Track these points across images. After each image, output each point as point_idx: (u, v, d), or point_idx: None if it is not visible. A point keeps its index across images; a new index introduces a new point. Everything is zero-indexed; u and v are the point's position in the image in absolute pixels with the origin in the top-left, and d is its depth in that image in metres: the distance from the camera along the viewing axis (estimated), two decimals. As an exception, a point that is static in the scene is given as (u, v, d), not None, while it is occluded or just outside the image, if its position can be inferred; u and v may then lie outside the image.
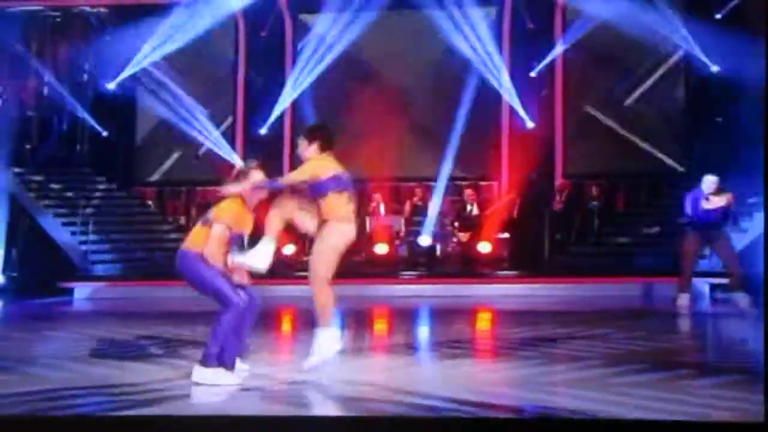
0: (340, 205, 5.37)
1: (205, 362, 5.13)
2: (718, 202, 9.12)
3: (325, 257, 5.37)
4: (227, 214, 5.23)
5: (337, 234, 5.36)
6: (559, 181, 14.51)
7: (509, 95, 14.92)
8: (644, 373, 5.42)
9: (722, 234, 9.35)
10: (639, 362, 5.79)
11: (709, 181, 9.23)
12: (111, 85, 15.24)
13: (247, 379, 5.28)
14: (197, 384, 5.09)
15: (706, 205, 9.13)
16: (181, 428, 4.15)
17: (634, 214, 13.93)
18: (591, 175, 14.60)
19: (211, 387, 5.04)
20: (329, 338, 5.40)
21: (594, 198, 13.80)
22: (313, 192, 5.38)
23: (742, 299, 9.06)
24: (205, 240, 5.19)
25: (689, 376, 5.34)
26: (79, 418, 4.29)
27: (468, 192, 14.16)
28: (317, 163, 5.42)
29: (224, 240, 5.21)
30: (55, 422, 4.20)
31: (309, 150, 5.49)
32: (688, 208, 9.33)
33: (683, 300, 9.32)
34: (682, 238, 9.50)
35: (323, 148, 5.49)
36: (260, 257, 5.29)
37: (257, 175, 5.33)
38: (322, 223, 5.38)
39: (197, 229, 5.31)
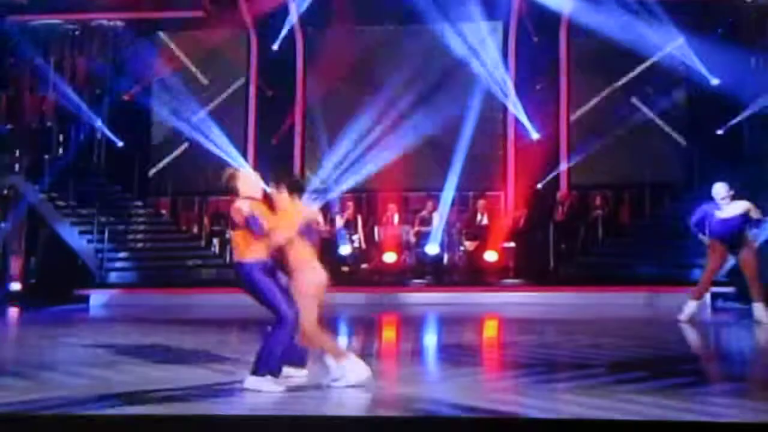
0: (304, 250, 5.37)
1: (256, 371, 5.17)
2: (733, 210, 8.76)
3: (307, 311, 5.31)
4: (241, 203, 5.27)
5: (308, 283, 5.33)
6: (560, 192, 14.50)
7: (515, 107, 14.95)
8: (647, 381, 5.40)
9: (745, 240, 8.87)
10: (642, 370, 5.77)
11: (718, 188, 8.84)
12: (127, 97, 15.35)
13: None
14: (246, 390, 5.11)
15: (720, 215, 8.79)
16: (189, 428, 4.14)
17: (638, 225, 13.90)
18: (595, 185, 14.59)
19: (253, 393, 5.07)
20: (354, 366, 5.32)
21: (598, 208, 13.78)
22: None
23: (759, 310, 8.74)
24: (247, 245, 5.20)
25: (692, 384, 5.32)
26: (84, 418, 4.28)
27: (481, 203, 14.16)
28: (294, 212, 5.43)
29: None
30: (63, 421, 4.19)
31: (280, 197, 5.48)
32: (704, 223, 8.94)
33: (690, 308, 9.01)
34: (711, 246, 8.98)
35: (292, 193, 5.51)
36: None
37: (245, 174, 5.45)
38: (292, 272, 5.35)
39: (234, 236, 5.33)
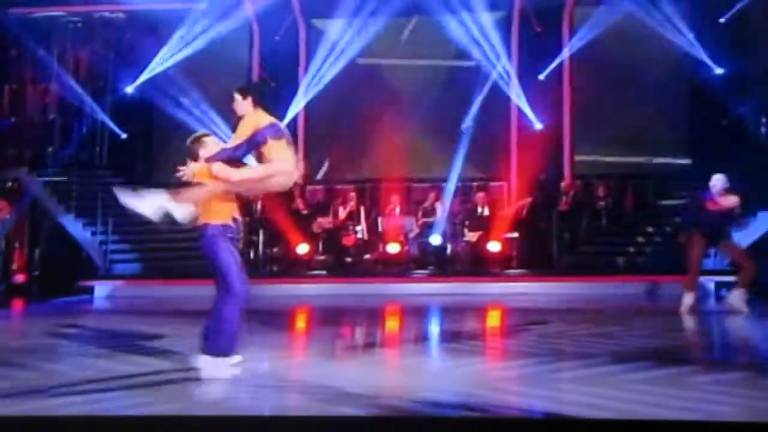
0: (281, 149, 5.37)
1: (207, 350, 5.19)
2: (723, 203, 8.75)
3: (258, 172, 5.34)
4: (203, 166, 5.28)
5: (280, 175, 5.36)
6: (564, 182, 14.48)
7: (518, 97, 14.93)
8: (651, 369, 5.41)
9: (725, 234, 8.99)
10: (646, 359, 5.77)
11: (715, 179, 8.82)
12: (129, 89, 15.35)
13: (263, 378, 5.29)
14: (197, 371, 5.15)
15: (711, 207, 8.80)
16: (193, 427, 4.15)
17: (641, 214, 13.88)
18: (599, 175, 14.57)
19: (227, 383, 5.07)
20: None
21: (601, 198, 13.77)
22: (252, 145, 5.38)
23: (737, 297, 8.80)
24: (213, 208, 5.24)
25: (695, 372, 5.33)
26: (91, 419, 4.30)
27: (479, 195, 14.17)
28: (255, 117, 5.44)
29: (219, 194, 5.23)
30: (65, 422, 4.20)
31: (243, 105, 5.50)
32: (694, 209, 9.05)
33: (688, 299, 9.04)
34: (688, 238, 9.06)
35: (256, 104, 5.52)
36: (149, 203, 5.25)
37: (212, 142, 5.42)
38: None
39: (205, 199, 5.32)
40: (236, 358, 5.46)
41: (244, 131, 5.37)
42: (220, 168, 5.23)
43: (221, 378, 5.13)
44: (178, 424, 4.15)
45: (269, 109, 5.61)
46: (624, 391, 4.74)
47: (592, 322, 8.02)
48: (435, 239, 13.38)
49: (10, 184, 14.56)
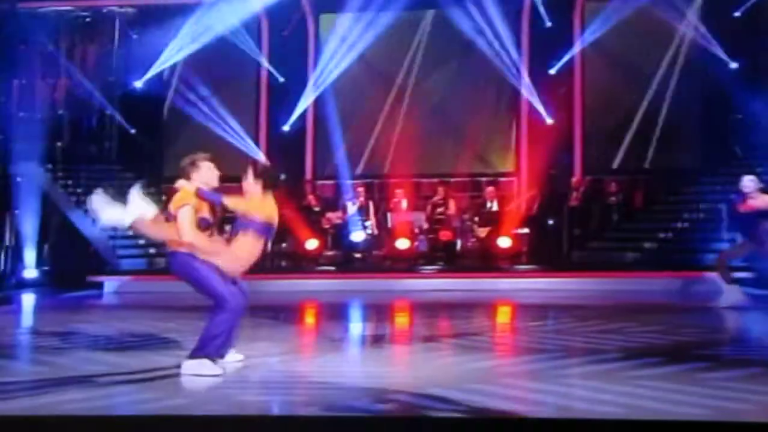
0: (249, 244, 5.35)
1: (192, 354, 5.21)
2: (752, 204, 8.61)
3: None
4: (184, 198, 5.20)
5: (227, 259, 5.30)
6: (575, 177, 14.43)
7: (528, 92, 14.89)
8: (662, 366, 5.39)
9: (758, 236, 8.70)
10: (656, 355, 5.76)
11: (746, 180, 8.73)
12: (138, 84, 15.40)
13: (270, 376, 5.30)
14: (183, 375, 5.13)
15: (743, 209, 8.70)
16: (199, 425, 4.16)
17: (653, 210, 13.82)
18: (610, 171, 14.51)
19: (229, 382, 5.08)
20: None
21: (612, 194, 13.71)
22: (237, 224, 5.42)
23: (735, 291, 8.84)
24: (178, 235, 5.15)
25: (706, 368, 5.31)
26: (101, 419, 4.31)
27: (489, 189, 14.14)
28: (260, 204, 5.43)
29: (195, 222, 5.15)
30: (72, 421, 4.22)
31: (252, 185, 5.48)
32: (730, 212, 9.02)
33: (729, 294, 8.95)
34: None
35: (266, 187, 5.52)
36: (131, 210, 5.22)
37: (206, 167, 5.33)
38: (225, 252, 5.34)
39: (167, 228, 5.26)
40: (236, 356, 5.50)
41: (247, 206, 5.37)
42: (183, 221, 5.11)
43: (206, 376, 5.12)
44: (184, 422, 4.16)
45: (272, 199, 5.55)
46: (634, 387, 4.73)
47: (603, 318, 8.00)
48: (444, 234, 13.36)
49: (19, 179, 14.60)
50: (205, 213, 5.24)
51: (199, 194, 5.22)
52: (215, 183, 5.38)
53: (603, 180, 14.24)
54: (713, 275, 9.67)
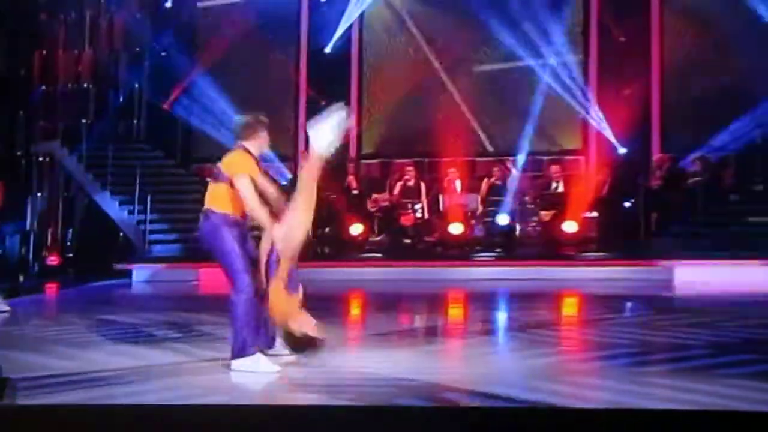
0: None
1: (235, 354, 5.17)
2: None
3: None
4: (245, 165, 5.24)
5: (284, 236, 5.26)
6: (657, 155, 14.06)
7: (597, 59, 14.63)
8: (754, 364, 5.24)
9: None
10: (748, 352, 5.62)
11: None
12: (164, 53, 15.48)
13: (315, 369, 5.28)
14: (236, 372, 5.13)
15: None
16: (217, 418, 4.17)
17: (743, 192, 13.37)
18: (692, 147, 14.03)
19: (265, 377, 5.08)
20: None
21: (697, 174, 13.26)
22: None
23: None
24: (226, 199, 5.21)
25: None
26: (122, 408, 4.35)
27: (554, 168, 13.92)
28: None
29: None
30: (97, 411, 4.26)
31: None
32: None
33: None
34: None
35: None
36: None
37: (264, 134, 5.39)
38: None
39: (213, 188, 5.33)
40: (280, 351, 5.46)
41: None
42: (246, 191, 5.16)
43: (262, 373, 5.12)
44: (222, 414, 4.18)
45: None
46: (723, 386, 4.59)
47: (686, 311, 7.83)
48: (503, 219, 13.23)
49: (41, 159, 14.87)
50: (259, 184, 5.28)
51: (259, 166, 5.28)
52: (265, 149, 5.50)
53: (686, 158, 13.81)
54: None
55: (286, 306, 5.15)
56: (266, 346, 5.40)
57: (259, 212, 5.16)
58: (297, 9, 15.99)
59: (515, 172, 14.03)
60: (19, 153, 14.94)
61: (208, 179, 5.58)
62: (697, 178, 13.20)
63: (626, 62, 14.62)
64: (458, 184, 13.88)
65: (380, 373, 5.16)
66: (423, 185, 13.98)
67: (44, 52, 15.41)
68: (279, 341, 5.46)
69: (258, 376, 5.06)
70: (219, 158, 5.44)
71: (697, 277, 10.82)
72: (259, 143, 5.40)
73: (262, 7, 15.44)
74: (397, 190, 13.83)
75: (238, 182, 5.16)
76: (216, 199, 5.29)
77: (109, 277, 12.15)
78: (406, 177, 13.90)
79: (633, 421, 3.90)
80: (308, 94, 15.79)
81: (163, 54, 15.47)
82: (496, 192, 13.59)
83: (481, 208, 13.53)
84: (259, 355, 5.16)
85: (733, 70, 14.12)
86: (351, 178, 14.18)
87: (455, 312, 9.23)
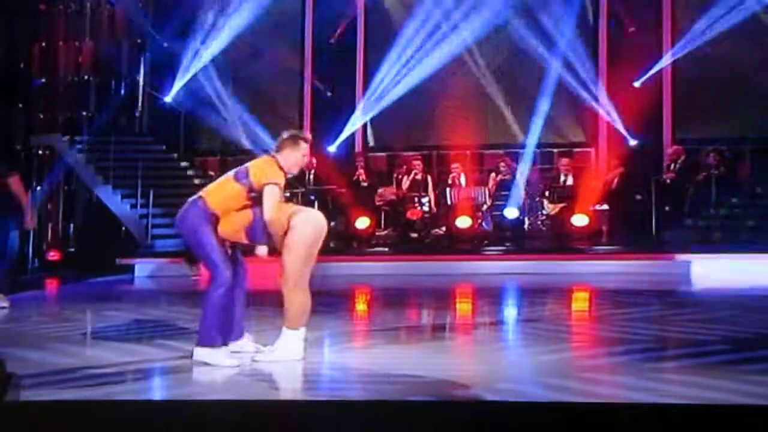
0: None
1: (200, 342, 5.26)
2: None
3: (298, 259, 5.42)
4: (278, 176, 5.31)
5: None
6: (671, 147, 13.98)
7: (607, 49, 14.58)
8: (765, 362, 5.19)
9: None
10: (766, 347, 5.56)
11: None
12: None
13: (319, 368, 5.26)
14: (197, 363, 5.20)
15: None
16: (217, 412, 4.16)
17: (759, 184, 13.29)
18: (706, 140, 13.94)
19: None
20: (294, 343, 5.33)
21: (712, 167, 13.15)
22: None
23: None
24: (229, 203, 5.27)
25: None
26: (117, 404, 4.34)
27: (564, 161, 13.87)
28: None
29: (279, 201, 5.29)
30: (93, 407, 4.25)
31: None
32: None
33: None
34: None
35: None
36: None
37: (302, 148, 5.46)
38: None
39: (225, 183, 5.38)
40: (244, 344, 5.53)
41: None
42: (271, 199, 5.25)
43: (222, 367, 5.16)
44: (226, 409, 4.16)
45: None
46: (740, 383, 4.55)
47: (700, 305, 7.78)
48: (511, 212, 13.19)
49: (41, 152, 14.86)
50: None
51: (285, 178, 5.37)
52: (295, 171, 5.56)
53: (699, 150, 13.73)
54: None
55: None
56: (234, 339, 5.49)
57: (276, 224, 5.24)
58: (302, -1, 16.00)
59: (520, 165, 13.97)
60: (18, 146, 14.92)
61: (212, 173, 5.61)
62: (714, 171, 13.10)
63: (637, 54, 14.55)
64: (463, 178, 13.86)
65: (388, 369, 5.13)
66: (430, 179, 13.97)
67: (44, 43, 15.39)
68: (247, 335, 5.59)
69: (260, 373, 5.06)
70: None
71: (714, 271, 10.75)
72: (292, 161, 5.44)
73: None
74: (406, 184, 13.80)
75: (267, 189, 5.24)
76: (218, 196, 5.33)
77: (111, 272, 12.13)
78: (414, 170, 13.88)
79: (647, 417, 3.86)
80: (313, 86, 15.78)
81: (165, 45, 15.43)
82: (505, 186, 13.56)
83: (489, 202, 13.51)
84: (223, 348, 5.25)
85: (747, 61, 14.04)
86: (361, 170, 14.18)
87: (463, 307, 9.19)
